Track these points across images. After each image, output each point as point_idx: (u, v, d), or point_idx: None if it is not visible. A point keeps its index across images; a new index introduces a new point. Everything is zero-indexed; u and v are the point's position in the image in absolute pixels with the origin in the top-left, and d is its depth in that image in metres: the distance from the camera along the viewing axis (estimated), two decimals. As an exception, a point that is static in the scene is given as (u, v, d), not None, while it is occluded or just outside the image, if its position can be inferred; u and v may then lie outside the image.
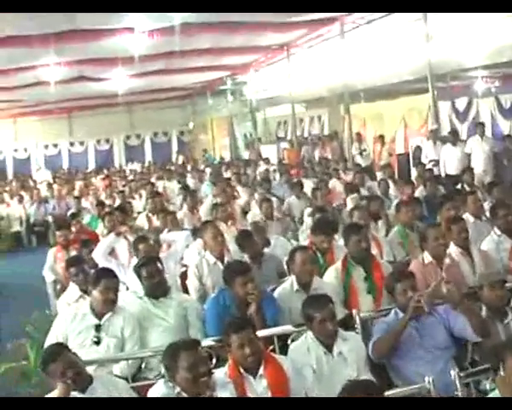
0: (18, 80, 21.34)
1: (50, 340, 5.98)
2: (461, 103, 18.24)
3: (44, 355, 4.96)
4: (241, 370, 4.87)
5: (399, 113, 20.06)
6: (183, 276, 8.06)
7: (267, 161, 23.02)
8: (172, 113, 34.83)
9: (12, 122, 34.06)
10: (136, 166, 30.87)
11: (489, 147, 14.89)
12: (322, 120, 25.55)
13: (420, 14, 15.64)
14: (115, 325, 6.06)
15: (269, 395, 4.80)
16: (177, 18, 14.94)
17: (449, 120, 18.19)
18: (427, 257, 6.86)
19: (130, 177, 23.87)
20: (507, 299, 5.77)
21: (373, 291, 6.63)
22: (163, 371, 5.45)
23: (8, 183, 27.76)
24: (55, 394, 4.71)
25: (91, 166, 34.16)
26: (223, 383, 4.73)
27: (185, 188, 15.84)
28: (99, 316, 6.08)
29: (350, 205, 10.91)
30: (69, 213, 13.71)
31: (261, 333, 5.43)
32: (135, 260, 8.09)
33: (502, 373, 4.13)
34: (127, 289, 7.71)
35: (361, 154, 19.34)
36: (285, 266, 7.96)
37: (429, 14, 15.51)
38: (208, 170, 22.25)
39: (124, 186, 19.53)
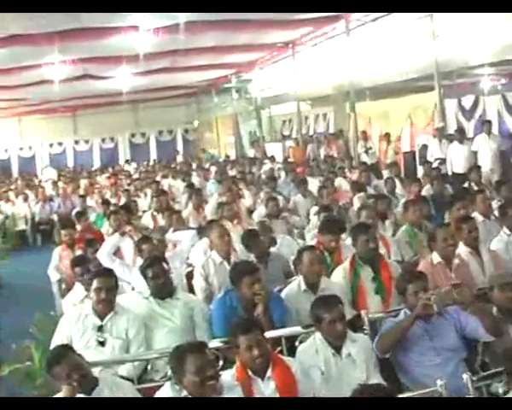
0: (22, 79, 21.34)
1: (55, 341, 5.94)
2: (467, 101, 18.12)
3: (49, 357, 4.92)
4: (249, 372, 4.80)
5: (405, 111, 19.94)
6: (189, 276, 8.00)
7: (272, 159, 22.95)
8: (177, 111, 34.83)
9: (17, 121, 34.12)
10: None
11: (496, 145, 14.79)
12: (327, 118, 25.45)
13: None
14: (119, 327, 6.02)
15: (277, 397, 4.74)
16: (182, 16, 14.94)
17: (455, 118, 18.08)
18: (435, 257, 6.78)
19: (135, 175, 23.80)
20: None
21: (381, 292, 6.56)
22: (169, 373, 5.41)
23: (13, 181, 27.74)
24: (60, 396, 4.66)
25: (96, 164, 34.16)
26: (230, 385, 4.66)
27: (190, 186, 15.77)
28: (101, 317, 6.04)
29: (357, 204, 10.81)
30: (75, 212, 13.62)
31: (269, 334, 5.36)
32: (140, 260, 8.05)
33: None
34: (133, 289, 7.68)
35: (366, 152, 19.28)
36: (291, 266, 7.92)
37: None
38: (213, 168, 22.19)
39: (129, 185, 19.48)
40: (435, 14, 15.60)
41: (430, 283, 6.04)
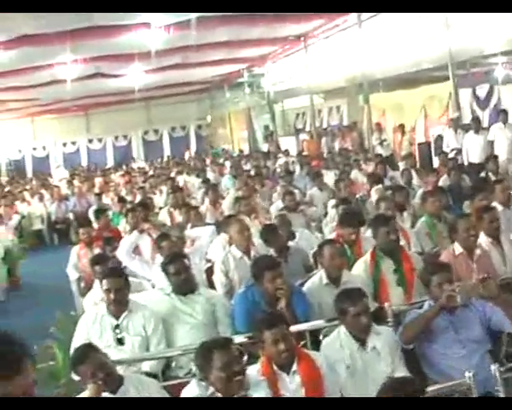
0: (35, 79, 21.43)
1: (76, 342, 5.92)
2: (481, 91, 18.04)
3: (74, 356, 4.91)
4: (275, 367, 4.78)
5: (419, 102, 19.86)
6: (208, 271, 7.98)
7: (287, 153, 22.90)
8: (190, 107, 34.88)
9: (30, 121, 34.23)
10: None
11: (512, 134, 14.69)
12: (340, 110, 25.42)
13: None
14: (136, 324, 6.01)
15: (302, 391, 4.72)
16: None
17: (470, 108, 17.98)
18: (457, 248, 6.73)
19: (150, 172, 23.81)
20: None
21: (403, 283, 6.52)
22: (194, 369, 5.39)
23: (27, 181, 27.83)
24: (85, 395, 4.65)
25: (110, 162, 34.22)
26: (256, 381, 4.64)
27: (206, 182, 15.75)
28: (116, 316, 6.03)
29: (374, 196, 10.75)
30: (94, 210, 13.57)
31: (293, 328, 5.32)
32: (159, 257, 8.04)
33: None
34: (153, 286, 7.67)
35: (381, 144, 19.21)
36: (311, 260, 7.89)
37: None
38: (228, 163, 22.17)
39: (144, 182, 19.48)
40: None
41: (453, 274, 6.00)
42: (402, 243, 7.49)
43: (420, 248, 8.08)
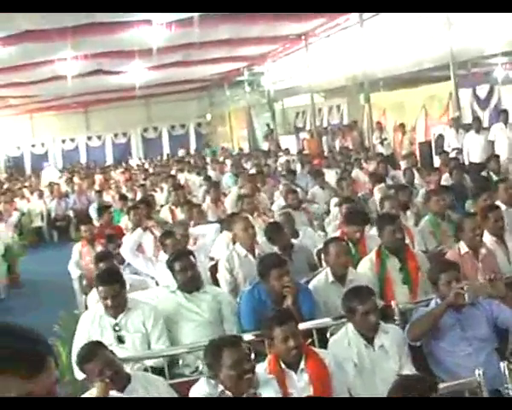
0: (35, 75, 21.41)
1: (77, 342, 5.86)
2: (482, 91, 18.04)
3: (81, 354, 4.85)
4: (282, 365, 4.78)
5: (420, 101, 19.87)
6: (211, 269, 7.96)
7: (287, 151, 22.89)
8: (190, 105, 34.85)
9: (29, 118, 34.15)
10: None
11: (513, 134, 14.70)
12: (341, 109, 25.41)
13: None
14: (135, 321, 5.97)
15: (310, 389, 4.71)
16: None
17: (470, 108, 17.99)
18: (462, 247, 6.73)
19: (150, 170, 23.78)
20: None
21: (408, 282, 6.53)
22: (200, 367, 5.38)
23: (26, 178, 27.77)
24: (92, 393, 4.61)
25: (109, 160, 34.19)
26: (264, 379, 4.62)
27: (208, 179, 15.74)
28: (115, 316, 5.98)
29: (377, 195, 10.76)
30: (98, 207, 13.50)
31: (301, 326, 5.31)
32: (162, 254, 8.03)
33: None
34: (156, 284, 7.66)
35: (382, 143, 19.20)
36: (315, 258, 7.88)
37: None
38: (228, 162, 22.16)
39: (144, 179, 19.46)
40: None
41: (460, 272, 6.00)
42: (406, 241, 7.50)
43: (424, 247, 8.07)
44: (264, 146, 28.73)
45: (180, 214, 11.28)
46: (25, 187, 22.78)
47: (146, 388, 4.80)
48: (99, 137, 35.23)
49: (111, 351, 4.93)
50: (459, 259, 6.54)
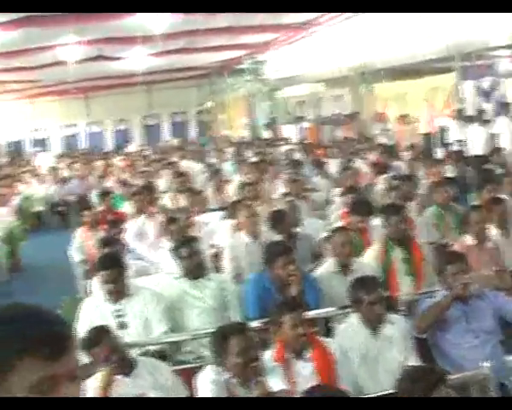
0: (37, 60, 21.29)
1: (80, 328, 5.83)
2: (485, 83, 18.01)
3: (87, 338, 4.82)
4: (288, 353, 4.76)
5: (422, 92, 19.83)
6: (215, 257, 7.94)
7: (288, 140, 22.83)
8: (190, 92, 34.70)
9: (29, 103, 34.02)
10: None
11: (516, 127, 14.68)
12: (342, 99, 25.34)
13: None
14: (136, 307, 5.96)
15: (316, 378, 4.69)
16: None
17: (473, 100, 17.96)
18: (468, 239, 6.73)
19: (153, 156, 23.64)
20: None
21: (412, 273, 6.51)
22: (203, 354, 5.38)
23: (27, 163, 27.66)
24: (98, 378, 4.61)
25: (109, 146, 34.11)
26: (270, 367, 4.62)
27: (210, 166, 15.70)
28: (116, 302, 5.97)
29: (381, 185, 10.73)
30: (99, 192, 13.42)
31: (306, 315, 5.30)
32: (165, 241, 8.02)
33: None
34: (159, 270, 7.65)
35: (384, 134, 19.15)
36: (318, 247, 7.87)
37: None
38: (229, 149, 22.09)
39: (146, 166, 19.37)
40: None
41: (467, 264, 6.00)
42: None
43: (427, 239, 8.05)
44: (265, 135, 28.64)
45: (182, 201, 11.23)
46: (26, 172, 22.69)
47: (151, 373, 4.79)
48: (99, 124, 35.15)
49: (117, 336, 4.91)
50: (466, 251, 6.53)
